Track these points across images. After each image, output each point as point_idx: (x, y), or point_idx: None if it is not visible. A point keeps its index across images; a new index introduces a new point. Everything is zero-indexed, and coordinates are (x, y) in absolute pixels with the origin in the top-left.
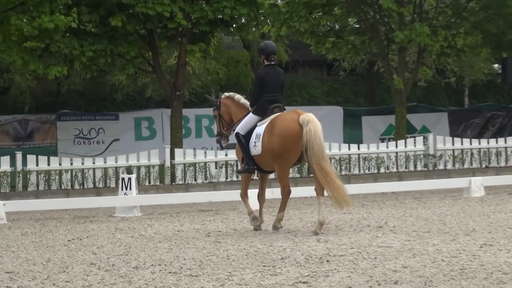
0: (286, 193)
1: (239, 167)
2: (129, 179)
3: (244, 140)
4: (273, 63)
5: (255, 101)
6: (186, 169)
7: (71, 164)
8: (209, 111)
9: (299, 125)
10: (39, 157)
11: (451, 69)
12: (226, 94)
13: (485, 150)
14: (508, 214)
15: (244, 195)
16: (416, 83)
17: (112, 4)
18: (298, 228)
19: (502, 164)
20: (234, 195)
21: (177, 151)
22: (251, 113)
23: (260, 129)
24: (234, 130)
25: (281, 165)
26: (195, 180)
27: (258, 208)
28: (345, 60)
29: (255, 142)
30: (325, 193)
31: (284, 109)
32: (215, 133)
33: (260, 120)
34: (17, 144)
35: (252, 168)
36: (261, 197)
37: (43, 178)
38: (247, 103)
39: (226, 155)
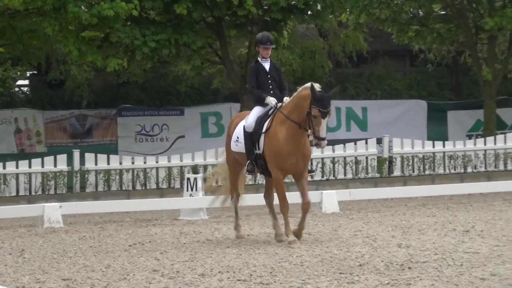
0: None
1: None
2: (195, 179)
3: None
4: None
5: None
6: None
7: (133, 163)
8: None
9: None
10: (98, 155)
11: None
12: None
13: None
14: None
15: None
16: (506, 75)
17: None
18: (377, 233)
19: None
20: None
21: None
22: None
23: None
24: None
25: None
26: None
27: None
28: (431, 50)
29: None
30: None
31: None
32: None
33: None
34: (74, 141)
35: None
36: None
37: (102, 178)
38: None
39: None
